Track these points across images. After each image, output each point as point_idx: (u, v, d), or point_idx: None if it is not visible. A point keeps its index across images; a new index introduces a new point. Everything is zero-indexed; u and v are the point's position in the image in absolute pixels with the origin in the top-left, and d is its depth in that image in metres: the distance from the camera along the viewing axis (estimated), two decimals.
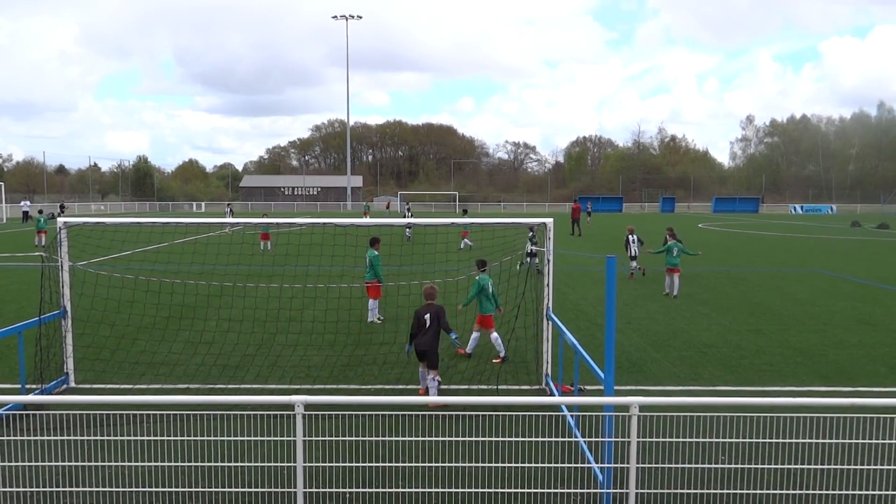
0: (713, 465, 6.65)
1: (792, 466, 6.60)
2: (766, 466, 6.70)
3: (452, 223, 10.53)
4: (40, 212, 38.32)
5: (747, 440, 7.14)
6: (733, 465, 6.79)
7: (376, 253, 14.40)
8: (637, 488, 5.41)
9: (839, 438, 5.95)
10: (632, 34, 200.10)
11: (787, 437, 6.71)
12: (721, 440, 7.11)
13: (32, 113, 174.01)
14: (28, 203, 61.10)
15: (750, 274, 22.77)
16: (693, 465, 6.50)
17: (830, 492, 6.00)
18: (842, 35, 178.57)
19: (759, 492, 6.27)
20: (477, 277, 11.56)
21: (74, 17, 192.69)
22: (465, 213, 51.18)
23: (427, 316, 9.37)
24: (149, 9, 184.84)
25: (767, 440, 6.75)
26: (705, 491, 6.29)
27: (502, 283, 11.46)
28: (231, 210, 45.47)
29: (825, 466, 6.28)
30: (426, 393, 9.36)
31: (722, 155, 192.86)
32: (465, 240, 29.98)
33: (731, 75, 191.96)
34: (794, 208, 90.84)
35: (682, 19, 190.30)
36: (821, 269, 24.25)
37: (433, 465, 6.72)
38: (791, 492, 6.20)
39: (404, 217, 44.45)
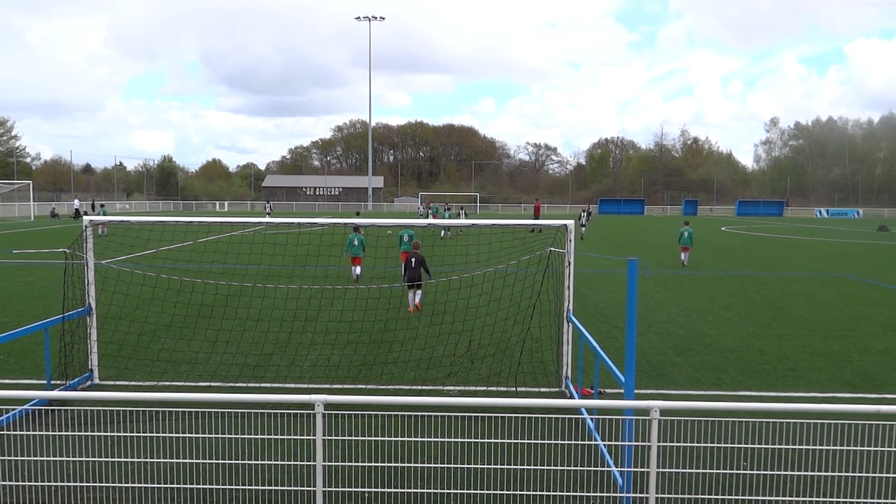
0: (734, 472, 6.57)
1: (816, 473, 6.50)
2: (788, 473, 6.60)
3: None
4: (101, 205, 49.65)
5: (770, 446, 7.05)
6: (755, 472, 6.70)
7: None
8: (657, 493, 5.36)
9: (864, 446, 5.85)
10: (654, 36, 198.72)
11: (811, 443, 6.62)
12: (743, 446, 7.03)
13: (62, 112, 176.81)
14: (79, 201, 64.78)
15: (774, 278, 22.50)
16: (714, 471, 6.43)
17: (856, 500, 5.89)
18: (868, 37, 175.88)
19: (781, 499, 6.18)
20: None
21: (104, 18, 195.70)
22: (450, 208, 57.81)
23: (413, 259, 15.07)
24: (176, 11, 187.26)
25: (790, 446, 6.66)
26: (726, 497, 6.22)
27: (518, 283, 11.43)
28: (271, 207, 46.73)
29: (850, 474, 6.18)
30: (415, 311, 15.01)
31: (746, 158, 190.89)
32: (446, 232, 36.79)
33: (754, 77, 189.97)
34: (820, 212, 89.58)
35: (706, 21, 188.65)
36: (846, 273, 23.88)
37: (452, 466, 6.72)
38: (815, 499, 6.11)
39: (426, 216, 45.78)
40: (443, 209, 54.89)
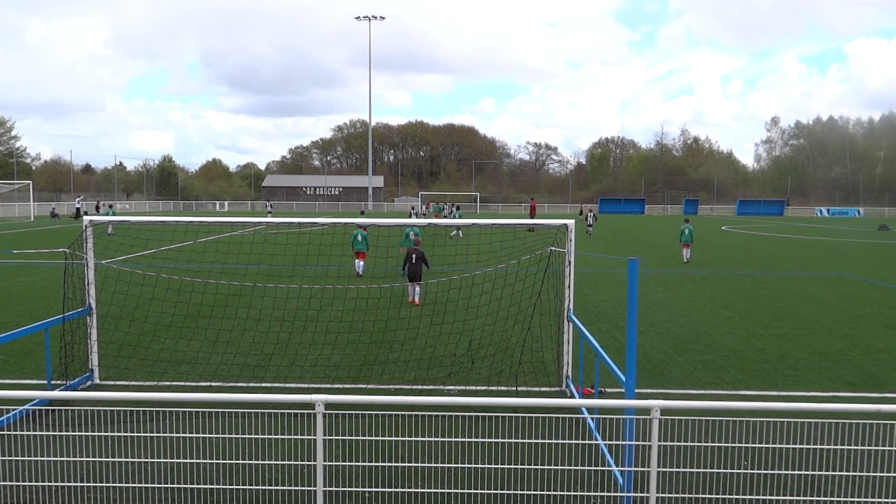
0: (735, 471, 6.57)
1: (816, 473, 6.50)
2: (789, 473, 6.60)
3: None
4: (110, 206, 50.99)
5: (770, 446, 7.05)
6: (756, 472, 6.70)
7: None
8: (658, 493, 5.36)
9: (865, 445, 5.85)
10: (654, 35, 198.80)
11: (812, 442, 6.62)
12: (743, 445, 7.03)
13: (62, 113, 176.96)
14: (80, 200, 64.95)
15: (774, 277, 22.49)
16: (715, 471, 6.42)
17: (856, 499, 5.89)
18: (868, 37, 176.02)
19: (782, 498, 6.18)
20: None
21: (104, 19, 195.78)
22: (458, 207, 56.42)
23: (414, 255, 16.12)
24: (176, 11, 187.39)
25: (791, 446, 6.66)
26: (727, 496, 6.21)
27: (519, 283, 11.42)
28: (272, 206, 47.69)
29: (850, 473, 6.18)
30: (414, 303, 16.12)
31: (746, 157, 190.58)
32: (457, 232, 36.02)
33: (755, 77, 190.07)
34: (821, 211, 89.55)
35: (706, 20, 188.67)
36: (847, 272, 23.87)
37: (452, 465, 6.71)
38: (816, 499, 6.10)
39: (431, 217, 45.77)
40: (448, 209, 54.83)
